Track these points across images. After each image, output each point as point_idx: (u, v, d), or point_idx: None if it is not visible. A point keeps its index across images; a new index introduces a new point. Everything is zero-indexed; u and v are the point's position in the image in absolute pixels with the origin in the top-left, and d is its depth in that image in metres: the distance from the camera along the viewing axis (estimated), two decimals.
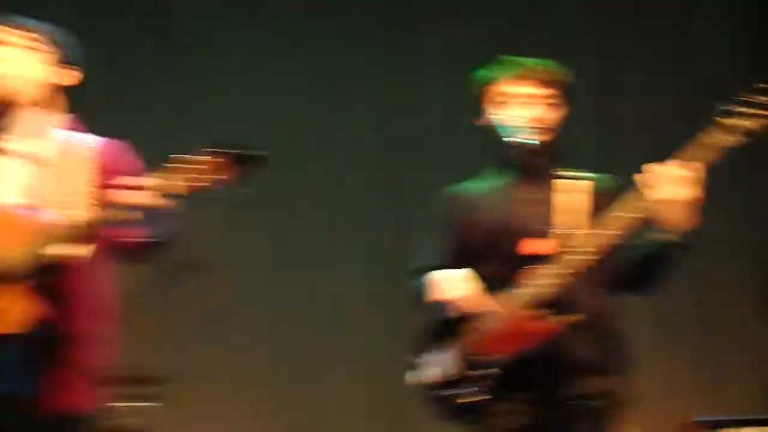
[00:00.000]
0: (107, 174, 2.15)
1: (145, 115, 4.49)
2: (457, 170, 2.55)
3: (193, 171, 1.95)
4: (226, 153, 1.95)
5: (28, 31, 2.27)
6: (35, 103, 2.24)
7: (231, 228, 4.46)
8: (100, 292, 2.24)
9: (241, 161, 1.95)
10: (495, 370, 2.32)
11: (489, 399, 2.31)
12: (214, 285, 4.37)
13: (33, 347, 2.08)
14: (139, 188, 1.98)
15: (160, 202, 1.99)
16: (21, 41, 2.25)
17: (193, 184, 1.96)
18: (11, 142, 2.21)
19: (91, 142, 2.26)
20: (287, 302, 4.54)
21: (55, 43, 2.30)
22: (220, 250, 4.42)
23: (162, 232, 2.18)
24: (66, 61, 2.30)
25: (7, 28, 2.26)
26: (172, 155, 1.95)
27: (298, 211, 4.62)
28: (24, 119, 2.23)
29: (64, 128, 2.27)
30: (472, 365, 2.36)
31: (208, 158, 1.95)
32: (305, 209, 4.64)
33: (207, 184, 1.96)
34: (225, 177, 1.95)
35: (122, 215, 2.01)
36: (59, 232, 2.04)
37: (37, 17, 2.35)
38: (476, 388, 2.33)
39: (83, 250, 2.09)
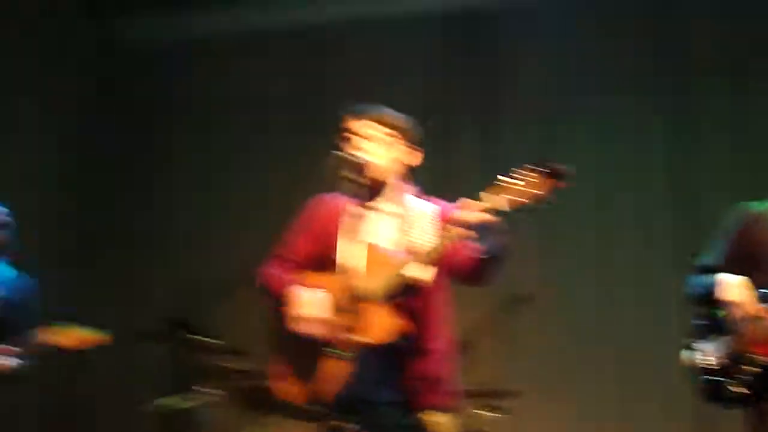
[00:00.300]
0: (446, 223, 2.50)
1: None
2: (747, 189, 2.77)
3: (516, 188, 2.10)
4: (542, 169, 2.07)
5: (389, 123, 2.65)
6: (394, 179, 2.67)
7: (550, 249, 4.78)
8: (444, 313, 2.58)
9: (554, 176, 2.07)
10: (758, 370, 2.58)
11: (751, 394, 2.58)
12: (544, 308, 4.64)
13: (395, 357, 2.42)
14: (474, 209, 2.20)
15: (491, 219, 2.17)
16: (383, 132, 2.63)
17: (517, 199, 2.11)
18: (381, 205, 2.66)
19: (432, 204, 2.68)
20: (612, 313, 4.72)
21: (406, 130, 2.69)
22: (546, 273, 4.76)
23: (492, 249, 2.37)
24: (413, 143, 2.70)
25: (372, 122, 2.65)
26: (498, 175, 2.10)
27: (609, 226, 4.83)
28: (388, 190, 2.66)
29: (413, 195, 2.71)
30: (739, 361, 2.63)
31: (529, 174, 2.10)
32: (620, 223, 4.82)
33: (528, 199, 2.09)
34: (542, 192, 2.06)
35: (461, 234, 2.24)
36: (414, 258, 2.39)
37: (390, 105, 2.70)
38: (742, 382, 2.59)
39: (429, 274, 2.42)
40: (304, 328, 2.43)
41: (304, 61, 5.39)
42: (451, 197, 2.61)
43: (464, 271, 2.48)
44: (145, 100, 5.58)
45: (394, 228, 2.59)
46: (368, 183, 2.59)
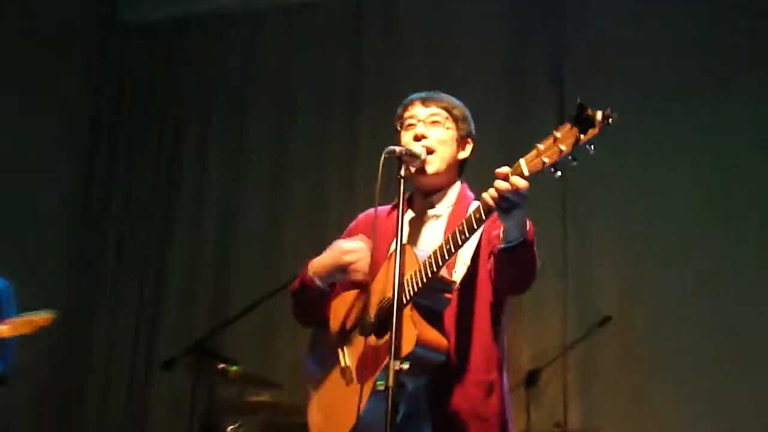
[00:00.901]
0: (491, 241, 2.33)
1: None
2: None
3: (554, 146, 1.92)
4: (575, 117, 1.90)
5: (456, 112, 2.51)
6: (448, 174, 2.50)
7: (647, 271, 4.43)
8: (493, 334, 2.35)
9: (587, 122, 1.88)
10: None
11: None
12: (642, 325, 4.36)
13: (432, 384, 2.22)
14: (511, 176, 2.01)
15: (525, 186, 1.99)
16: (449, 123, 2.49)
17: (555, 156, 1.92)
18: (434, 208, 2.51)
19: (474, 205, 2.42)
20: (710, 340, 4.35)
21: (462, 119, 2.53)
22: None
23: (515, 236, 2.13)
24: (467, 135, 2.54)
25: (438, 109, 2.48)
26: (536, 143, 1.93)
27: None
28: (441, 190, 2.51)
29: (462, 193, 2.53)
30: None
31: (563, 129, 1.92)
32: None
33: (565, 151, 1.90)
34: (580, 141, 1.88)
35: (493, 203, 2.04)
36: (439, 254, 2.19)
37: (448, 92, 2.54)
38: None
39: (459, 273, 2.27)
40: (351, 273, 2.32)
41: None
42: None
43: (492, 274, 2.26)
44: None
45: (441, 231, 2.42)
46: (427, 184, 2.46)
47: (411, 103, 2.51)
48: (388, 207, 2.56)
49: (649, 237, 4.46)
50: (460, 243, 2.14)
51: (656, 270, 4.42)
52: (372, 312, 2.24)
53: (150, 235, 5.39)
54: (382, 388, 2.08)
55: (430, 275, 2.18)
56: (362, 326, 2.18)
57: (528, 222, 2.14)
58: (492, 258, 2.23)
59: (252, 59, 5.39)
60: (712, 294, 4.29)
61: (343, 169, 5.02)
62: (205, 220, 5.28)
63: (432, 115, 2.47)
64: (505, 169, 1.99)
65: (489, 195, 2.03)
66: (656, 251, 4.42)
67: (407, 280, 2.21)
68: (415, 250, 2.28)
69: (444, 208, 2.48)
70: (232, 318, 4.08)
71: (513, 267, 2.19)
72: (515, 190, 1.98)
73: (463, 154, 2.52)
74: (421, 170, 2.40)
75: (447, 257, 2.16)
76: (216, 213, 5.28)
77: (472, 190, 2.53)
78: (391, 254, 2.29)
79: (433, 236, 2.41)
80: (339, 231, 4.55)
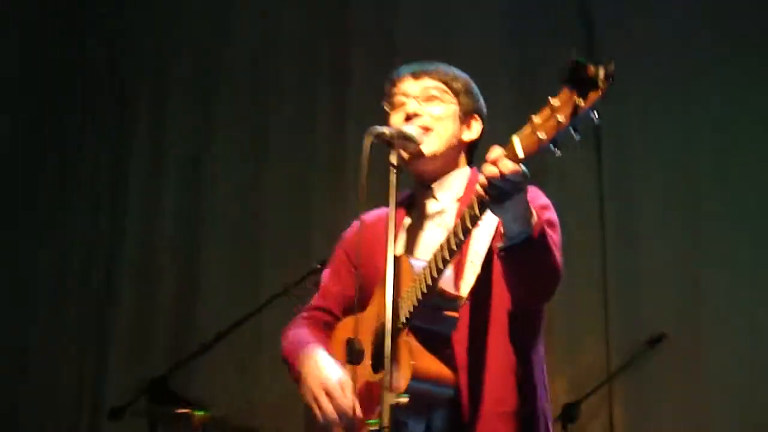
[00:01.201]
0: None
1: None
2: None
3: (552, 117, 1.77)
4: (572, 79, 1.73)
5: (459, 84, 2.37)
6: (452, 158, 2.37)
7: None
8: (515, 360, 2.21)
9: (586, 83, 1.71)
10: None
11: None
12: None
13: (438, 422, 2.10)
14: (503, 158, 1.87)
15: (520, 171, 1.85)
16: (450, 97, 2.36)
17: (554, 129, 1.77)
18: (437, 202, 2.36)
19: None
20: None
21: (464, 92, 2.38)
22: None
23: (521, 231, 1.99)
24: (472, 111, 2.39)
25: (435, 81, 2.36)
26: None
27: None
28: (439, 181, 2.36)
29: (473, 181, 2.31)
30: None
31: (561, 96, 1.76)
32: None
33: (564, 123, 1.75)
34: (580, 108, 1.72)
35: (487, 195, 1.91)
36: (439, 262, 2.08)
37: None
38: None
39: (466, 286, 2.15)
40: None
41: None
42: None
43: (529, 287, 2.13)
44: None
45: (440, 235, 2.26)
46: (427, 171, 2.36)
47: (400, 77, 2.39)
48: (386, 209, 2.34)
49: (709, 236, 4.23)
50: (454, 247, 2.03)
51: (721, 276, 4.16)
52: (365, 341, 2.13)
53: (91, 247, 4.94)
54: (375, 428, 2.01)
55: (425, 291, 2.07)
56: (350, 354, 2.07)
57: (534, 212, 1.99)
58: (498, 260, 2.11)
59: (221, 27, 5.05)
60: None
61: (329, 160, 4.75)
62: (160, 224, 4.86)
63: (426, 89, 2.35)
64: (496, 151, 1.86)
65: (479, 184, 1.91)
66: (719, 253, 4.19)
67: (402, 299, 2.11)
68: (412, 261, 2.17)
69: (449, 200, 2.35)
70: (197, 350, 3.85)
71: (519, 271, 2.05)
72: (502, 176, 1.85)
73: (470, 134, 2.39)
74: (418, 154, 2.28)
75: (442, 266, 2.05)
76: (174, 216, 4.91)
77: None
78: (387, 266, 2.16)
79: (437, 239, 2.21)
80: (324, 236, 4.25)
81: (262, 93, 4.89)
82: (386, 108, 2.39)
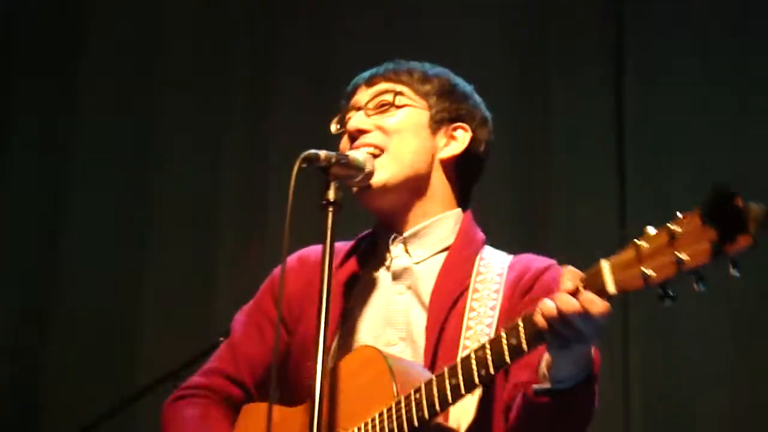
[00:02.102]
0: (516, 308, 2.01)
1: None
2: None
3: (667, 252, 1.60)
4: (716, 215, 1.56)
5: (406, 80, 2.18)
6: (420, 189, 2.16)
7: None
8: None
9: (737, 227, 1.53)
10: None
11: None
12: None
13: None
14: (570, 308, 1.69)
15: (606, 311, 1.67)
16: (394, 93, 2.15)
17: (666, 274, 1.60)
18: (396, 260, 2.14)
19: (495, 259, 2.14)
20: None
21: (440, 93, 2.18)
22: None
23: (577, 382, 1.79)
24: (455, 119, 2.18)
25: (392, 84, 2.16)
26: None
27: None
28: (413, 230, 2.15)
29: (465, 230, 2.16)
30: None
31: (690, 224, 1.59)
32: None
33: (687, 269, 1.57)
34: (714, 256, 1.54)
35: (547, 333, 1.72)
36: (443, 378, 1.88)
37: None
38: None
39: (470, 412, 1.94)
40: None
41: None
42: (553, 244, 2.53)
43: (512, 419, 1.93)
44: None
45: (419, 310, 2.10)
46: (383, 208, 2.14)
47: (354, 87, 2.22)
48: (346, 245, 2.22)
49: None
50: (477, 381, 1.80)
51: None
52: None
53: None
54: None
55: (417, 424, 1.84)
56: None
57: (593, 351, 1.82)
58: (517, 395, 1.91)
59: None
60: None
61: (241, 192, 4.27)
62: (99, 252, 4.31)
63: (378, 95, 2.15)
64: (574, 275, 1.69)
65: (541, 313, 1.71)
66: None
67: (373, 422, 1.89)
68: (391, 362, 1.93)
69: (425, 254, 2.13)
70: (136, 394, 3.44)
71: (558, 417, 1.84)
72: (587, 316, 1.65)
73: (452, 149, 2.15)
74: (366, 185, 2.08)
75: (452, 400, 1.82)
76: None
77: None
78: (349, 356, 2.00)
79: (405, 310, 2.08)
80: (231, 300, 3.74)
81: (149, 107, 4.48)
82: (333, 129, 2.19)
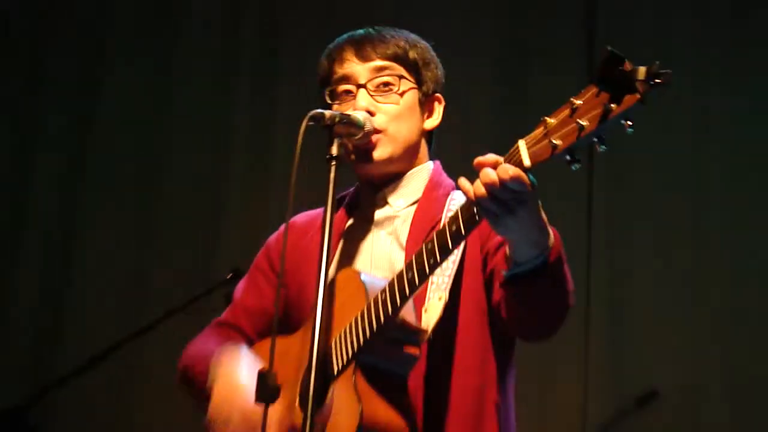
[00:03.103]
0: (485, 236, 2.17)
1: None
2: None
3: (572, 121, 1.70)
4: (607, 77, 1.65)
5: (419, 59, 2.29)
6: (408, 157, 2.32)
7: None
8: (484, 404, 2.19)
9: (628, 83, 1.62)
10: None
11: None
12: None
13: None
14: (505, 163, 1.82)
15: (527, 182, 1.77)
16: (407, 76, 2.28)
17: (574, 136, 1.70)
18: (389, 207, 2.31)
19: (463, 199, 2.13)
20: None
21: (424, 64, 2.31)
22: None
23: (530, 254, 1.92)
24: (434, 91, 2.33)
25: (386, 61, 2.27)
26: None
27: None
28: (409, 180, 2.32)
29: (434, 180, 2.34)
30: None
31: (588, 93, 1.69)
32: None
33: (590, 130, 1.67)
34: (613, 113, 1.64)
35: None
36: (404, 285, 2.03)
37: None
38: None
39: (434, 314, 2.07)
40: None
41: None
42: None
43: (502, 312, 2.07)
44: None
45: (399, 250, 2.25)
46: (377, 174, 2.30)
47: (341, 54, 2.31)
48: (321, 210, 2.36)
49: (714, 278, 4.04)
50: (427, 271, 1.98)
51: (734, 322, 3.98)
52: (290, 375, 2.12)
53: None
54: None
55: (382, 320, 2.01)
56: (261, 389, 1.96)
57: (551, 231, 1.94)
58: (499, 286, 2.07)
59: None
60: None
61: (250, 147, 4.49)
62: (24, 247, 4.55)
63: (377, 73, 2.27)
64: (491, 157, 1.82)
65: (472, 192, 1.85)
66: (721, 299, 4.01)
67: (349, 327, 2.08)
68: (364, 278, 2.13)
69: (403, 205, 2.32)
70: (64, 377, 3.66)
71: (528, 303, 2.01)
72: (501, 183, 1.78)
73: (432, 121, 2.36)
74: (365, 155, 2.25)
75: (409, 292, 2.00)
76: (44, 223, 4.57)
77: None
78: (330, 281, 2.14)
79: (387, 253, 2.28)
80: (239, 241, 4.21)
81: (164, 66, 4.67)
82: (326, 98, 2.29)
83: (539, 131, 1.74)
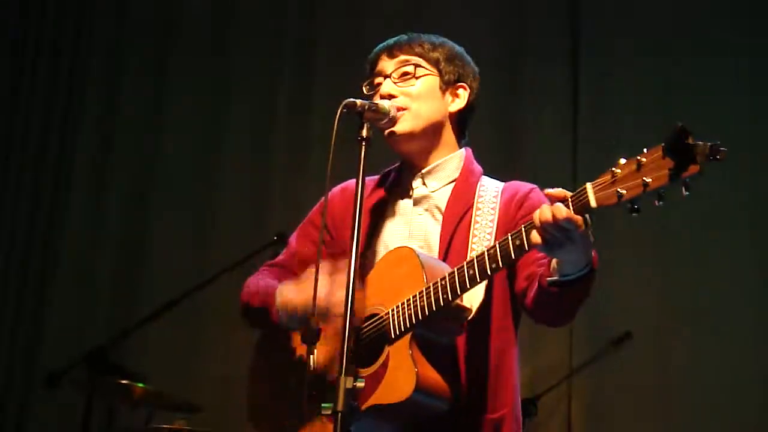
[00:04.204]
0: (510, 220, 2.32)
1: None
2: None
3: (636, 176, 1.83)
4: (673, 146, 1.78)
5: (442, 55, 2.46)
6: (435, 136, 2.46)
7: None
8: (508, 365, 2.34)
9: (689, 156, 1.76)
10: None
11: None
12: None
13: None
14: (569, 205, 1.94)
15: (584, 223, 1.94)
16: (431, 70, 2.45)
17: (636, 191, 1.83)
18: (424, 187, 2.45)
19: (490, 185, 2.38)
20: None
21: (446, 60, 2.48)
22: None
23: (574, 272, 2.07)
24: (457, 80, 2.49)
25: (411, 56, 2.45)
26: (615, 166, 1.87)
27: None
28: (430, 158, 2.46)
29: (467, 166, 2.46)
30: None
31: (653, 155, 1.82)
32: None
33: (652, 188, 1.82)
34: (671, 178, 1.79)
35: (540, 239, 1.98)
36: (458, 272, 2.15)
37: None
38: None
39: (478, 299, 2.21)
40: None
41: None
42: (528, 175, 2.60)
43: (530, 302, 2.25)
44: None
45: (434, 224, 2.41)
46: (406, 151, 2.46)
47: (377, 56, 2.50)
48: (375, 178, 2.52)
49: (676, 235, 4.39)
50: (488, 272, 2.11)
51: (692, 275, 4.33)
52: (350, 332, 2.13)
53: (33, 207, 5.04)
54: (328, 412, 2.03)
55: (443, 304, 2.15)
56: (305, 333, 2.11)
57: (592, 252, 2.08)
58: (533, 285, 2.19)
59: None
60: None
61: (292, 131, 4.88)
62: (107, 191, 5.00)
63: (400, 65, 2.46)
64: (560, 191, 1.95)
65: (537, 219, 1.97)
66: (686, 252, 4.36)
67: (408, 301, 2.18)
68: (422, 258, 2.23)
69: (439, 185, 2.45)
70: (140, 320, 3.93)
71: (566, 303, 2.16)
72: (575, 226, 1.92)
73: (457, 104, 2.48)
74: (391, 132, 2.39)
75: (470, 286, 2.13)
76: (123, 182, 5.01)
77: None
78: (389, 254, 2.29)
79: (424, 227, 2.39)
80: (283, 209, 4.66)
81: (221, 59, 5.00)
82: (365, 90, 2.50)
83: (607, 177, 1.88)
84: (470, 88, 2.50)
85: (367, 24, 4.69)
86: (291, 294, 2.34)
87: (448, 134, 2.48)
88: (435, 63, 2.47)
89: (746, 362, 4.20)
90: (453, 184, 2.44)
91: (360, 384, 1.99)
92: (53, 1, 5.21)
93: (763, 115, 4.45)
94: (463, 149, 2.50)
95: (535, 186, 2.42)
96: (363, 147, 2.20)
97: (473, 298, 2.22)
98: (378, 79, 2.47)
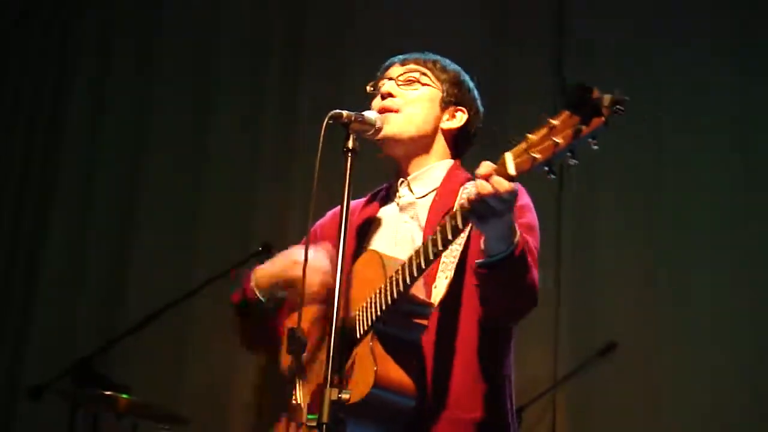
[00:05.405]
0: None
1: None
2: None
3: (549, 138, 1.85)
4: (577, 103, 1.80)
5: (430, 67, 2.52)
6: (425, 143, 2.49)
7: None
8: (488, 364, 2.32)
9: (592, 109, 1.78)
10: None
11: None
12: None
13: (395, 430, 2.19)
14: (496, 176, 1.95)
15: (512, 189, 1.94)
16: (420, 73, 2.51)
17: (551, 151, 1.84)
18: (409, 194, 2.48)
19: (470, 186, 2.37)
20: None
21: (451, 81, 2.53)
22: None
23: (503, 250, 2.09)
24: (457, 103, 2.53)
25: (409, 64, 2.51)
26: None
27: None
28: (416, 173, 2.49)
29: (452, 172, 2.48)
30: None
31: (562, 117, 1.84)
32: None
33: (563, 145, 1.83)
34: (579, 134, 1.80)
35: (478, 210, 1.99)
36: (412, 264, 2.16)
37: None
38: None
39: (440, 289, 2.20)
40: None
41: None
42: None
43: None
44: None
45: (419, 230, 2.42)
46: (394, 155, 2.48)
47: (390, 63, 2.56)
48: (368, 196, 2.58)
49: (667, 242, 4.45)
50: (431, 257, 2.10)
51: (676, 284, 4.39)
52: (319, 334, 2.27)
53: (18, 219, 5.09)
54: (313, 423, 2.06)
55: (396, 296, 2.15)
56: (291, 342, 2.13)
57: (518, 231, 2.10)
58: (472, 272, 2.21)
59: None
60: (751, 315, 4.30)
61: (278, 141, 4.92)
62: (92, 200, 5.04)
63: (407, 72, 2.51)
64: (488, 166, 1.95)
65: (467, 198, 2.00)
66: (677, 261, 4.40)
67: (370, 300, 2.20)
68: (385, 258, 2.25)
69: (423, 192, 2.47)
70: (126, 331, 3.97)
71: (496, 289, 2.16)
72: (495, 194, 1.93)
73: (451, 123, 2.52)
74: (379, 131, 2.39)
75: (416, 274, 2.13)
76: (108, 191, 5.05)
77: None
78: (358, 260, 2.31)
79: (409, 234, 2.41)
80: (268, 219, 4.62)
81: (207, 64, 5.05)
82: (368, 90, 2.53)
83: (522, 145, 1.90)
84: (468, 114, 2.53)
85: (351, 33, 4.74)
86: (264, 267, 2.42)
87: (441, 146, 2.52)
88: (441, 80, 2.52)
89: (731, 373, 4.24)
90: (436, 191, 2.46)
91: (345, 395, 2.01)
92: (42, 6, 5.24)
93: (749, 114, 4.51)
94: (451, 159, 2.53)
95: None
96: (349, 158, 2.22)
97: (437, 294, 2.23)
98: (383, 82, 2.52)
